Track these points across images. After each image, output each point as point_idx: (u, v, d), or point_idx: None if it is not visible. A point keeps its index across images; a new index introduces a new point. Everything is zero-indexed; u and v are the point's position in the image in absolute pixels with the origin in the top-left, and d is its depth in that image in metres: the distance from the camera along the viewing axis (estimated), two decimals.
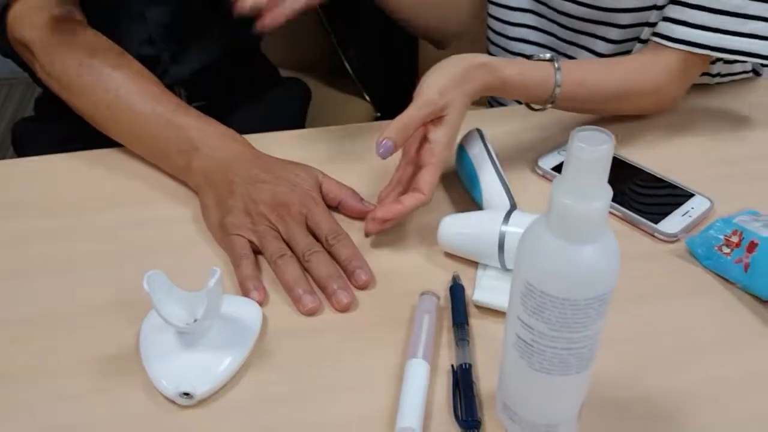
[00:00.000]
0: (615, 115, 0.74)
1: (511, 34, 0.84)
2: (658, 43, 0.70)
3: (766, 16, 0.66)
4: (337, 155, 0.71)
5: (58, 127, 0.84)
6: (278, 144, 0.70)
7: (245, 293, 0.56)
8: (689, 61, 0.70)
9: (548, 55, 0.67)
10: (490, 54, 0.87)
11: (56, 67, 0.69)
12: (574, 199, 0.36)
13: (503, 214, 0.57)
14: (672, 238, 0.61)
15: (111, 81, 0.67)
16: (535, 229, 0.39)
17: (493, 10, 0.85)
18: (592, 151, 0.35)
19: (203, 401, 0.49)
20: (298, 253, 0.58)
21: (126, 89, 0.67)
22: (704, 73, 0.80)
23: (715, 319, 0.55)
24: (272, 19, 0.59)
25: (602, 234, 0.38)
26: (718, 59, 0.77)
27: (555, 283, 0.38)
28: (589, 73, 0.69)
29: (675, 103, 0.75)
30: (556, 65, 0.66)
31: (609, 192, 0.37)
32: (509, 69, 0.64)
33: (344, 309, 0.55)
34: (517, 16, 0.83)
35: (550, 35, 0.82)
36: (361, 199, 0.63)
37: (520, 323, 0.41)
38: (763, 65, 0.81)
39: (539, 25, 0.82)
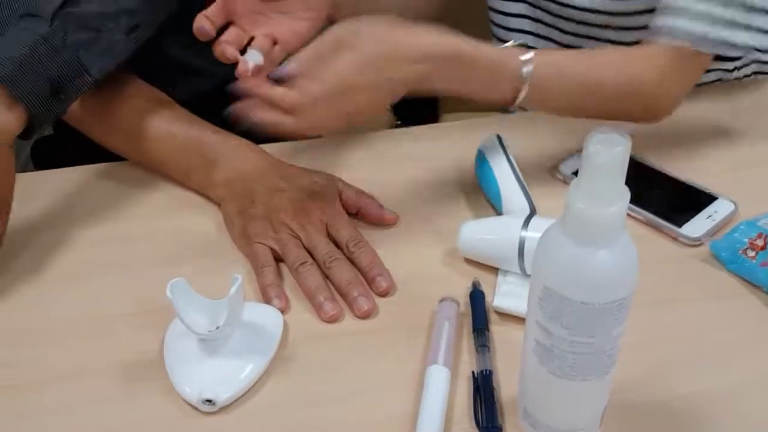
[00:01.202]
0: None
1: (505, 38, 0.84)
2: (648, 38, 0.65)
3: (747, 3, 0.62)
4: (357, 163, 0.72)
5: (80, 140, 0.86)
6: (297, 152, 0.71)
7: (267, 301, 0.56)
8: (680, 56, 0.64)
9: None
10: None
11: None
12: (590, 203, 0.36)
13: (523, 219, 0.57)
14: (696, 242, 0.60)
15: (124, 109, 0.68)
16: (552, 234, 0.39)
17: (493, 15, 0.84)
18: (608, 153, 0.35)
19: (225, 408, 0.49)
20: (319, 261, 0.58)
21: (138, 115, 0.68)
22: (720, 68, 0.78)
23: (741, 324, 0.54)
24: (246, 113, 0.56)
25: (619, 237, 0.37)
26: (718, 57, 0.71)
27: (573, 287, 0.38)
28: (568, 58, 0.63)
29: (672, 105, 0.67)
30: (529, 51, 0.59)
31: (626, 195, 0.36)
32: (466, 43, 0.58)
33: (365, 316, 0.55)
34: (514, 22, 0.82)
35: (548, 41, 0.81)
36: (381, 206, 0.64)
37: (539, 328, 0.41)
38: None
39: (537, 31, 0.81)
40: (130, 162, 0.72)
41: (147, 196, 0.68)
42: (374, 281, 0.57)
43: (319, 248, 0.58)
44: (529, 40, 0.82)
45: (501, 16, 0.83)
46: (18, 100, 0.56)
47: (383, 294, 0.57)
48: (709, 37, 0.64)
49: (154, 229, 0.65)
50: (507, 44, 0.62)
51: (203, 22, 0.58)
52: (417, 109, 0.72)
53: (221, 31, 0.60)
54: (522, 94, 0.60)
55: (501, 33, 0.85)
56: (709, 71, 0.79)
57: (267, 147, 0.68)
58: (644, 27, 0.71)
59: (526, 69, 0.59)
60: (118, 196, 0.69)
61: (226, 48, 0.59)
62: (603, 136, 0.35)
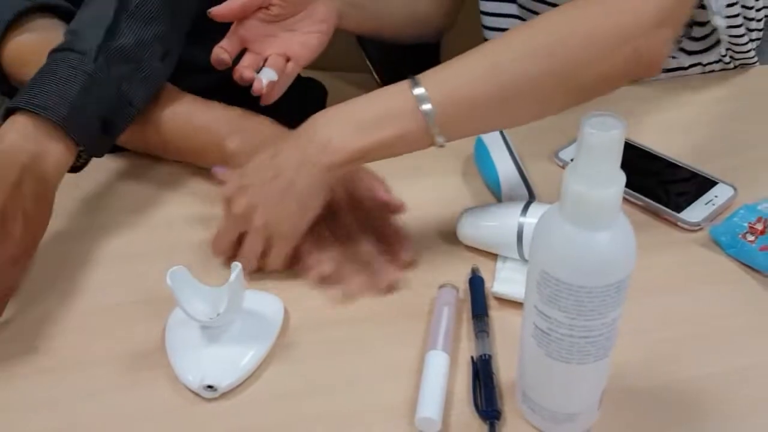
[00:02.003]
0: (626, 100, 0.70)
1: (494, 25, 0.82)
2: None
3: None
4: None
5: None
6: None
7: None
8: None
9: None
10: None
11: None
12: (586, 186, 0.36)
13: (522, 206, 0.57)
14: (695, 227, 0.60)
15: None
16: (549, 218, 0.39)
17: (484, 18, 0.83)
18: (603, 136, 0.35)
19: (227, 394, 0.50)
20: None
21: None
22: (719, 61, 0.78)
23: (740, 308, 0.54)
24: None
25: (616, 220, 0.38)
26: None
27: (570, 270, 0.38)
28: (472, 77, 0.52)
29: (660, 54, 0.54)
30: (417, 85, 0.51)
31: (622, 177, 0.36)
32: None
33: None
34: (505, 23, 0.81)
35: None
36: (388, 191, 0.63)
37: (537, 312, 0.41)
38: None
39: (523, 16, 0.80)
40: (130, 153, 0.72)
41: (147, 187, 0.69)
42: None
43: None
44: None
45: (492, 18, 0.82)
46: (74, 141, 0.56)
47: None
48: None
49: (154, 218, 0.65)
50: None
51: (220, 53, 0.65)
52: None
53: (238, 57, 0.66)
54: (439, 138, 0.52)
55: (492, 36, 0.84)
56: (712, 62, 0.79)
57: None
58: None
59: (425, 107, 0.51)
60: (118, 187, 0.69)
61: (244, 71, 0.64)
62: (598, 119, 0.35)
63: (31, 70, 0.59)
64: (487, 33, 0.83)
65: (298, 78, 1.01)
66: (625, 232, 0.38)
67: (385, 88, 0.55)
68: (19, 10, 0.65)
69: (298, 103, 0.98)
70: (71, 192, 0.69)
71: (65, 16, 0.67)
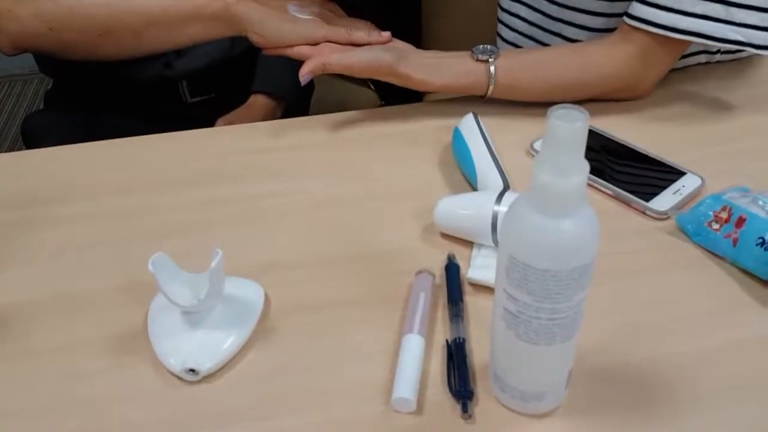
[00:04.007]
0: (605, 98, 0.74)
1: (508, 8, 0.86)
2: (623, 24, 0.70)
3: None
4: (341, 141, 0.73)
5: (67, 119, 0.87)
6: (283, 130, 0.72)
7: None
8: (653, 43, 0.69)
9: (488, 49, 0.70)
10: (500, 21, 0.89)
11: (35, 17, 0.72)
12: (551, 175, 0.38)
13: (496, 194, 0.58)
14: (663, 216, 0.62)
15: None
16: (518, 205, 0.41)
17: (500, 14, 0.87)
18: (567, 128, 0.36)
19: (208, 377, 0.51)
20: None
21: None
22: (703, 51, 0.80)
23: (704, 292, 0.57)
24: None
25: (580, 208, 0.39)
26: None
27: (536, 255, 0.40)
28: (526, 72, 0.71)
29: (647, 88, 0.74)
30: (492, 69, 0.70)
31: (586, 167, 0.38)
32: (438, 81, 0.70)
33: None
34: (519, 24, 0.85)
35: (540, 13, 0.83)
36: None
37: (506, 296, 0.43)
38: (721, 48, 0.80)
39: (532, 3, 0.83)
40: (112, 141, 0.73)
41: (130, 174, 0.70)
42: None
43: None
44: (521, 10, 0.84)
45: (507, 16, 0.86)
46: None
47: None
48: (680, 27, 0.66)
49: (137, 205, 0.66)
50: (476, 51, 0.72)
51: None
52: (400, 90, 0.74)
53: None
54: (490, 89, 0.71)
55: (504, 32, 0.87)
56: (696, 53, 0.81)
57: (255, 125, 0.71)
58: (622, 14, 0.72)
59: (490, 89, 0.71)
60: (101, 174, 0.70)
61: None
62: (563, 112, 0.37)
63: None
64: (500, 28, 0.89)
65: None
66: (589, 220, 0.40)
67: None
68: None
69: None
70: (54, 177, 0.70)
71: None
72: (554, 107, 0.37)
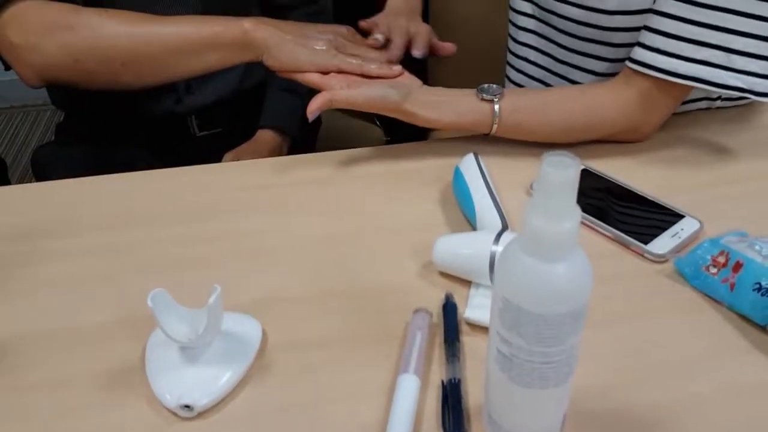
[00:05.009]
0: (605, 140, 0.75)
1: (515, 51, 0.88)
2: (625, 67, 0.72)
3: (720, 45, 0.66)
4: (345, 178, 0.74)
5: (77, 151, 0.88)
6: (288, 166, 0.73)
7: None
8: (653, 88, 0.70)
9: (493, 89, 0.72)
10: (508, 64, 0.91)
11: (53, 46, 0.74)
12: (544, 220, 0.38)
13: (495, 234, 0.59)
14: (661, 259, 0.62)
15: (113, 26, 0.74)
16: (512, 248, 0.41)
17: (510, 28, 0.88)
18: (559, 174, 0.37)
19: (204, 413, 0.51)
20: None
21: (132, 23, 0.74)
22: (704, 98, 0.81)
23: (701, 337, 0.56)
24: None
25: (573, 252, 0.40)
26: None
27: (528, 298, 0.40)
28: (530, 113, 0.73)
29: (648, 131, 0.76)
30: (496, 108, 0.71)
31: (577, 212, 0.39)
32: (443, 120, 0.72)
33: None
34: (522, 35, 0.86)
35: (547, 56, 0.84)
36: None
37: (500, 338, 0.43)
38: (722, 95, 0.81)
39: (539, 46, 0.85)
40: (119, 174, 0.74)
41: (132, 208, 0.71)
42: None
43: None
44: (531, 54, 0.86)
45: (515, 59, 0.87)
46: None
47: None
48: (680, 72, 0.67)
49: (139, 239, 0.67)
50: (481, 91, 0.73)
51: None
52: (407, 126, 0.75)
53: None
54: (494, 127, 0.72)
55: (511, 45, 0.88)
56: (697, 100, 0.82)
57: (261, 161, 0.72)
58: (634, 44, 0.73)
59: (494, 127, 0.73)
60: (105, 208, 0.71)
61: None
62: (555, 158, 0.37)
63: None
64: (508, 55, 0.91)
65: None
66: (582, 264, 0.40)
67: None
68: None
69: None
70: (57, 210, 0.71)
71: None
72: (548, 153, 0.38)
